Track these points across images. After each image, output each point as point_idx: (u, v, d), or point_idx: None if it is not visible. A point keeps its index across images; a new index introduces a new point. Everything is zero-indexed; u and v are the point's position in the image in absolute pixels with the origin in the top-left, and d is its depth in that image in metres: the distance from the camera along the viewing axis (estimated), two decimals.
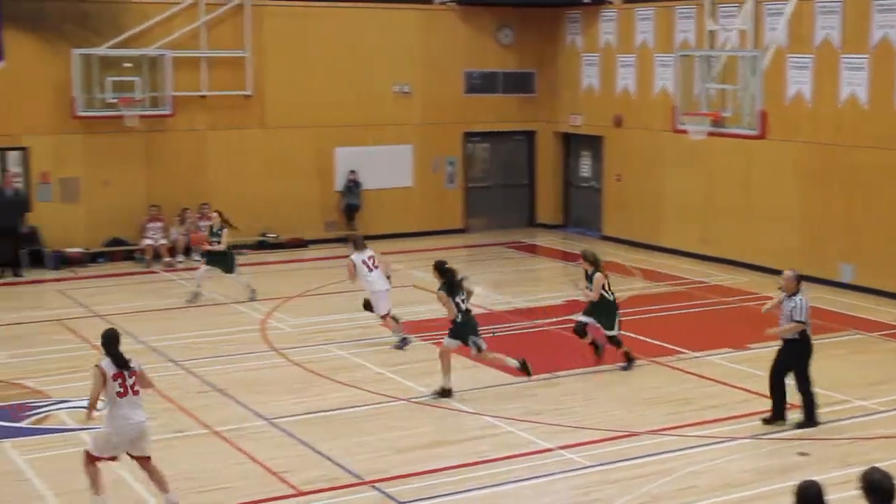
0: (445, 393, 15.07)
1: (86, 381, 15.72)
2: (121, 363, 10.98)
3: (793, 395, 13.84)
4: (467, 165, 29.84)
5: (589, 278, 16.30)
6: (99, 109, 24.92)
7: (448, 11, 28.84)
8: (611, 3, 27.77)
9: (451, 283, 15.30)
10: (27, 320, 19.95)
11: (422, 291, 22.06)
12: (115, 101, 24.86)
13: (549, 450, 13.06)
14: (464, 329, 15.27)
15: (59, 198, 25.15)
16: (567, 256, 26.39)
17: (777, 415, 13.81)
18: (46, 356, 17.30)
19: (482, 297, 21.58)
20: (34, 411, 14.57)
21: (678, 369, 16.45)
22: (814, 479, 7.19)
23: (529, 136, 30.46)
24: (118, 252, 25.59)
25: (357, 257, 18.19)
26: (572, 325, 16.73)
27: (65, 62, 24.67)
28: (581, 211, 29.95)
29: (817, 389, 13.82)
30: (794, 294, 13.64)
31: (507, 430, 13.80)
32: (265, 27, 26.83)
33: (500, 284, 22.91)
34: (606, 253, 26.21)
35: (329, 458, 12.78)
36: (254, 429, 13.91)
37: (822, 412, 13.87)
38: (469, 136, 29.70)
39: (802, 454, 12.85)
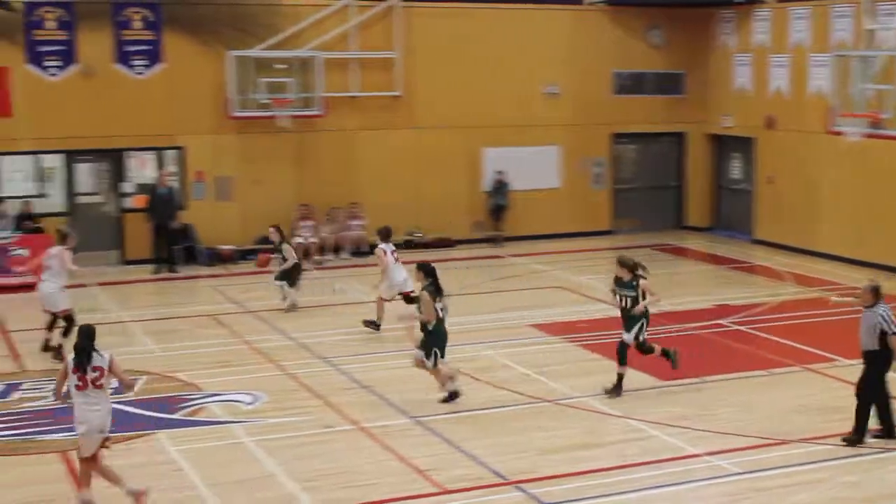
0: (453, 396, 14.86)
1: (237, 375, 16.17)
2: (80, 360, 11.11)
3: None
4: (615, 167, 29.59)
5: (628, 285, 15.20)
6: (253, 110, 25.46)
7: (597, 12, 28.64)
8: (764, 2, 27.22)
9: (436, 286, 14.81)
10: (181, 315, 20.46)
11: (568, 293, 21.96)
12: (268, 101, 25.37)
13: (697, 455, 12.85)
14: (433, 337, 14.70)
15: (213, 196, 25.78)
16: (717, 260, 25.97)
17: (859, 433, 13.18)
18: (199, 350, 17.71)
19: None
20: (187, 403, 14.93)
21: (831, 377, 16.01)
22: None
23: (679, 137, 30.05)
24: (269, 249, 26.02)
25: (387, 247, 18.57)
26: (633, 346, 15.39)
27: (220, 64, 25.27)
28: (731, 213, 29.43)
29: None
30: (873, 306, 13.08)
31: (653, 435, 13.62)
32: (415, 28, 27.02)
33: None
34: (758, 257, 25.86)
35: (474, 458, 12.80)
36: (399, 426, 14.00)
37: None
38: (617, 138, 29.44)
39: None
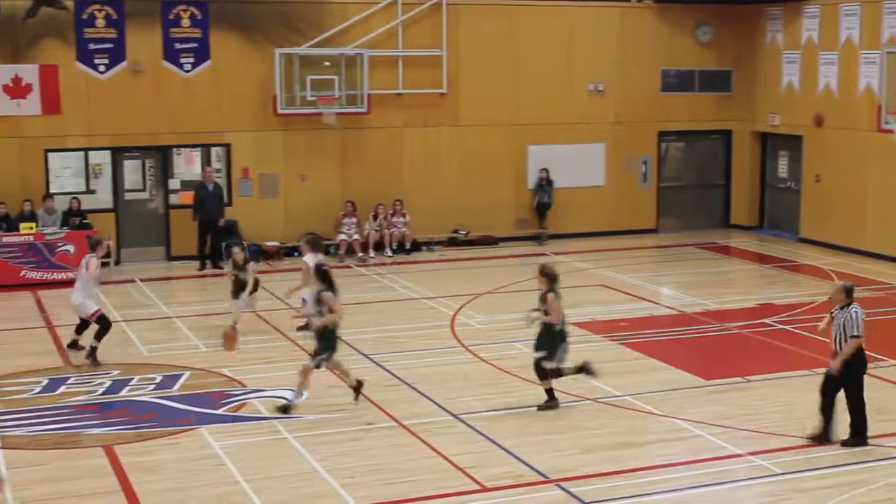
0: (358, 386, 14.77)
1: (280, 371, 16.24)
2: None
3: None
4: (661, 164, 29.46)
5: (543, 298, 14.37)
6: (298, 107, 25.58)
7: (645, 9, 28.51)
8: None
9: (333, 288, 14.37)
10: (227, 311, 20.58)
11: (611, 291, 21.90)
12: (314, 99, 25.49)
13: (739, 455, 12.78)
14: (332, 337, 14.37)
15: (258, 193, 25.93)
16: (762, 259, 25.79)
17: (826, 430, 13.06)
18: (243, 346, 17.79)
19: (670, 299, 21.32)
20: (231, 399, 15.04)
21: (877, 377, 15.84)
22: None
23: (725, 135, 29.86)
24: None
25: (312, 259, 17.57)
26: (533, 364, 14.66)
27: (267, 61, 25.39)
28: (777, 212, 29.21)
29: None
30: (847, 306, 12.92)
31: (696, 434, 13.56)
32: (461, 26, 27.02)
33: (692, 286, 22.52)
34: (805, 256, 25.61)
35: (515, 456, 12.80)
36: (441, 424, 14.03)
37: None
38: (663, 135, 29.31)
39: None
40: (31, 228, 23.08)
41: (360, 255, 25.58)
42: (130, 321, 19.22)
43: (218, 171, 25.49)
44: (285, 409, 14.28)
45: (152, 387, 15.62)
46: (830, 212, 26.66)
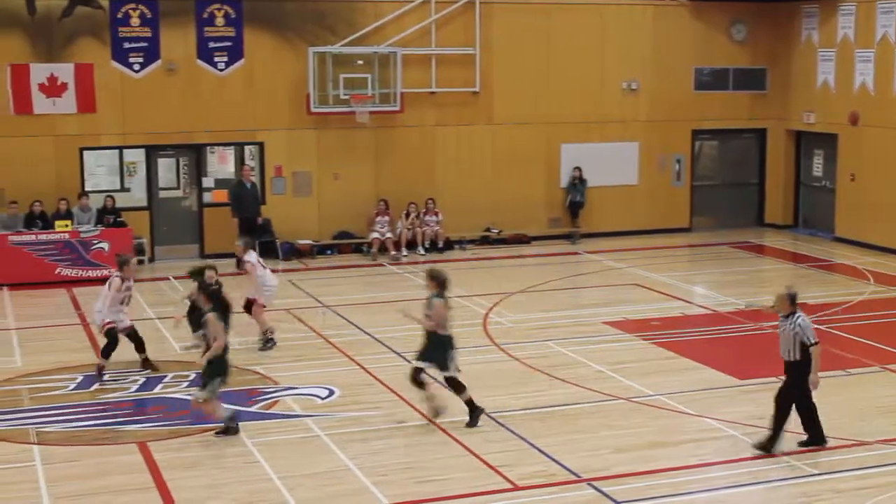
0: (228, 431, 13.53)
1: (312, 369, 16.27)
2: None
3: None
4: (695, 163, 29.33)
5: (430, 304, 13.72)
6: (332, 106, 25.63)
7: (679, 7, 28.39)
8: None
9: (223, 309, 13.59)
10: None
11: (644, 290, 21.83)
12: (347, 97, 25.53)
13: (773, 456, 12.69)
14: (222, 365, 13.49)
15: (291, 191, 26.00)
16: (797, 258, 25.63)
17: (773, 440, 12.79)
18: (276, 344, 17.84)
19: (704, 298, 21.22)
20: (263, 396, 15.09)
21: None
22: None
23: (760, 133, 29.69)
24: (346, 244, 26.26)
25: (254, 257, 17.81)
26: (409, 372, 14.12)
27: (300, 60, 25.46)
28: (812, 211, 29.02)
29: None
30: (791, 315, 12.70)
31: (729, 434, 13.49)
32: (494, 24, 26.99)
33: (725, 285, 22.41)
34: (840, 255, 25.43)
35: (547, 454, 12.77)
36: None
37: None
38: (697, 134, 29.17)
39: None
40: (67, 226, 23.24)
41: (393, 253, 25.60)
42: (164, 319, 19.30)
43: (252, 169, 25.56)
44: (226, 432, 13.45)
45: (186, 384, 15.68)
46: (866, 211, 26.45)
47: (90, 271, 22.90)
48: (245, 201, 24.75)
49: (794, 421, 13.21)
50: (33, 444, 13.35)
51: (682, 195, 29.07)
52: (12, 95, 24.21)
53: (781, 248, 26.97)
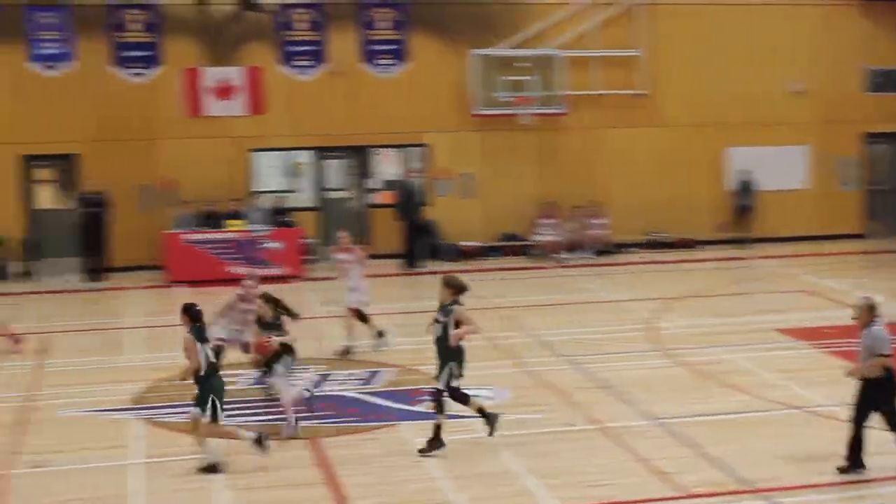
0: (212, 468, 12.44)
1: (480, 371, 16.24)
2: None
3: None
4: (867, 167, 28.46)
5: (444, 310, 12.93)
6: (495, 108, 25.67)
7: (847, 6, 27.63)
8: None
9: (200, 329, 12.47)
10: (424, 310, 20.73)
11: (816, 297, 21.29)
12: (510, 100, 25.53)
13: None
14: (207, 385, 12.36)
15: (456, 193, 26.11)
16: None
17: (855, 463, 12.06)
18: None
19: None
20: (429, 397, 15.10)
21: None
22: None
23: None
24: (511, 247, 26.25)
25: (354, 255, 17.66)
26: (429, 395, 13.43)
27: (463, 62, 25.58)
28: None
29: None
30: (870, 325, 12.01)
31: None
32: (659, 26, 26.70)
33: None
34: None
35: (717, 463, 12.52)
36: (640, 428, 13.83)
37: None
38: (870, 137, 28.32)
39: None
40: (238, 226, 23.76)
41: (557, 256, 25.49)
42: (332, 318, 19.56)
43: (417, 171, 25.79)
44: (211, 469, 12.42)
45: (356, 382, 15.86)
46: None
47: (259, 270, 23.35)
48: (409, 203, 24.96)
49: None
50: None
51: (854, 200, 28.25)
52: (184, 99, 24.89)
53: None
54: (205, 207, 24.26)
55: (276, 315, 13.82)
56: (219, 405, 12.35)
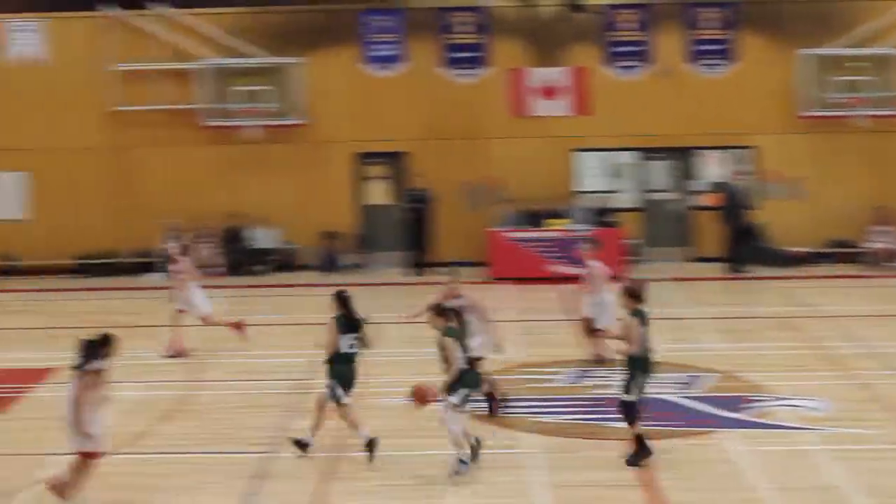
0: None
1: (805, 380, 15.66)
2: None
3: None
4: None
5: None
6: (825, 109, 24.73)
7: None
8: None
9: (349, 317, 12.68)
10: (749, 315, 20.26)
11: None
12: (841, 100, 24.53)
13: None
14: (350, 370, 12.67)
15: (785, 196, 25.31)
16: None
17: None
18: (767, 352, 17.41)
19: None
20: (752, 405, 14.68)
21: None
22: None
23: None
24: (843, 253, 25.20)
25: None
26: None
27: (790, 62, 24.78)
28: None
29: None
30: None
31: None
32: None
33: None
34: None
35: None
36: None
37: None
38: None
39: None
40: (561, 225, 23.91)
41: (892, 264, 24.23)
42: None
43: (744, 173, 25.23)
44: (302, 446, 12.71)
45: (675, 386, 15.59)
46: None
47: (578, 269, 23.41)
48: (734, 206, 24.42)
49: None
50: (529, 432, 13.76)
51: None
52: (510, 99, 25.29)
53: None
54: (528, 206, 24.54)
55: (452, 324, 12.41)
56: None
